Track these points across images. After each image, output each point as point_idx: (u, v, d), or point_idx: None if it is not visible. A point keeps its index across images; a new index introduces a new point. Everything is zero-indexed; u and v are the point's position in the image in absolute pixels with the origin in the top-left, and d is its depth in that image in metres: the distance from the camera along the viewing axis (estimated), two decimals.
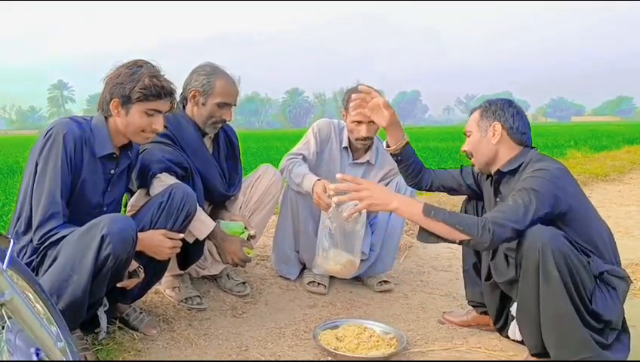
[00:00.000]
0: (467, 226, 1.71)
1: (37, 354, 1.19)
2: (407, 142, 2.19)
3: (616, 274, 1.79)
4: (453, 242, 1.77)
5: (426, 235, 1.80)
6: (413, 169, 2.23)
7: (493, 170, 2.02)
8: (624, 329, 1.83)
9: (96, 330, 1.94)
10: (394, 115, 2.14)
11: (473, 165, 2.09)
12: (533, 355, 1.89)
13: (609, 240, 1.88)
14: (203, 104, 2.29)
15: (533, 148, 2.00)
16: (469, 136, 2.04)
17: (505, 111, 1.97)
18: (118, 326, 2.08)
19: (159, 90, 1.85)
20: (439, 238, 1.78)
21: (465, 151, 2.05)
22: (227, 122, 2.37)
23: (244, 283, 2.64)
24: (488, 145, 1.97)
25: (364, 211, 2.35)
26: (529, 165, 1.88)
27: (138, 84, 1.81)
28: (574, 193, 1.83)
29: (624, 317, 1.83)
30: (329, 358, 2.03)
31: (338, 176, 1.90)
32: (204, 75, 2.28)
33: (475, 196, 2.22)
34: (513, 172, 1.93)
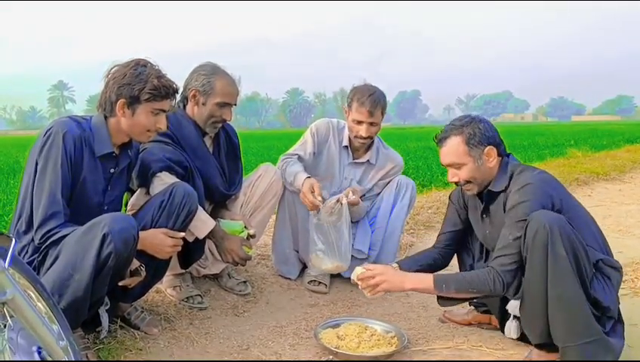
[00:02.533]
0: (478, 286, 1.83)
1: (39, 353, 1.19)
2: (398, 266, 2.13)
3: (610, 264, 1.82)
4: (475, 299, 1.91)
5: (445, 300, 1.96)
6: (429, 267, 2.16)
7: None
8: (619, 320, 1.84)
9: (97, 329, 1.94)
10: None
11: (467, 190, 2.05)
12: (536, 346, 1.88)
13: (600, 236, 1.91)
14: (203, 104, 2.29)
15: (507, 154, 2.01)
16: (458, 168, 1.97)
17: (487, 130, 1.94)
18: (120, 325, 2.08)
19: (167, 90, 1.87)
20: (458, 300, 1.93)
21: (458, 181, 2.00)
22: (227, 122, 2.37)
23: (245, 282, 2.64)
24: (485, 169, 1.96)
25: (344, 203, 2.45)
26: (512, 180, 1.91)
27: (147, 84, 1.82)
28: (559, 195, 1.85)
29: (619, 309, 1.84)
30: (330, 357, 2.03)
31: (353, 278, 2.00)
32: (205, 75, 2.28)
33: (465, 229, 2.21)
34: (504, 190, 1.95)
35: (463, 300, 1.93)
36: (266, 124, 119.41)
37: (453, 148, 1.95)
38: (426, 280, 1.88)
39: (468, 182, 1.99)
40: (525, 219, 1.78)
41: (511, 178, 1.92)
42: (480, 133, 1.92)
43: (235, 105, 2.35)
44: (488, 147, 1.93)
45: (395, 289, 1.94)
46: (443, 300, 1.97)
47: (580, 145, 12.35)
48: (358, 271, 1.97)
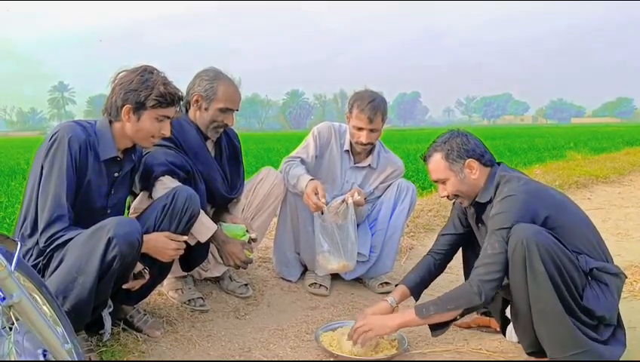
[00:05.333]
0: (455, 302, 1.85)
1: (44, 356, 1.20)
2: (407, 288, 2.17)
3: (606, 271, 1.81)
4: (462, 315, 1.90)
5: (437, 330, 1.95)
6: (430, 278, 2.24)
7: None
8: (620, 325, 1.85)
9: (100, 332, 1.96)
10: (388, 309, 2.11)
11: (460, 203, 2.11)
12: (528, 354, 1.91)
13: (596, 240, 1.90)
14: (206, 109, 2.30)
15: (497, 164, 2.03)
16: (444, 183, 2.02)
17: (465, 144, 1.98)
18: (122, 328, 2.10)
19: (173, 98, 1.90)
20: (447, 324, 1.94)
21: (447, 196, 2.04)
22: (229, 127, 2.39)
23: (246, 284, 2.66)
24: (470, 182, 1.99)
25: (350, 203, 2.49)
26: (497, 191, 1.93)
27: (154, 91, 1.85)
28: (547, 203, 1.86)
29: (619, 314, 1.84)
30: (331, 359, 2.05)
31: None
32: (207, 80, 2.30)
33: (468, 233, 2.22)
34: (489, 201, 1.97)
35: (451, 321, 1.94)
36: (265, 125, 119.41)
37: (435, 165, 2.02)
38: (409, 312, 1.92)
39: (456, 195, 2.04)
40: (502, 228, 1.80)
41: (497, 188, 1.94)
42: (458, 147, 1.98)
43: (238, 110, 2.36)
44: (468, 160, 1.97)
45: (387, 330, 1.98)
46: (434, 330, 1.96)
47: (579, 147, 12.38)
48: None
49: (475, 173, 1.98)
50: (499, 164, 2.04)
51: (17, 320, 1.17)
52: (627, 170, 7.99)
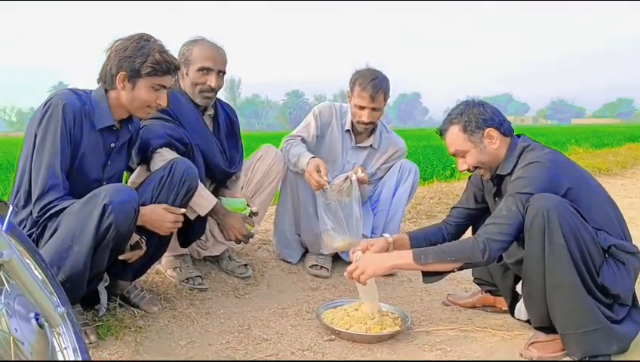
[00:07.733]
0: (457, 254, 1.79)
1: (36, 319, 1.16)
2: (409, 237, 2.14)
3: (625, 249, 1.76)
4: (461, 269, 1.84)
5: (429, 277, 1.91)
6: (436, 239, 2.15)
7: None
8: (635, 306, 1.81)
9: (96, 307, 1.91)
10: (384, 247, 2.08)
11: (481, 175, 2.03)
12: (537, 329, 1.86)
13: (617, 218, 1.85)
14: (187, 74, 2.27)
15: (518, 136, 1.97)
16: (463, 156, 1.95)
17: (483, 114, 1.92)
18: (119, 304, 2.04)
19: (169, 66, 1.84)
20: (442, 274, 1.88)
21: (468, 168, 1.98)
22: (214, 89, 2.29)
23: (245, 265, 2.61)
24: (490, 152, 1.93)
25: (354, 180, 2.43)
26: (520, 158, 1.87)
27: (149, 58, 1.79)
28: (571, 176, 1.81)
29: (635, 295, 1.80)
30: (332, 336, 2.00)
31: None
32: (185, 46, 2.29)
33: (481, 210, 2.17)
34: (510, 172, 1.91)
35: (446, 273, 1.89)
36: (266, 126, 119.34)
37: (453, 138, 1.95)
38: (406, 254, 1.85)
39: (477, 167, 1.97)
40: (522, 193, 1.74)
41: (519, 157, 1.88)
42: (475, 117, 1.91)
43: (222, 72, 2.30)
44: (487, 129, 1.91)
45: (381, 270, 1.90)
46: (427, 276, 1.92)
47: (581, 143, 12.32)
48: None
49: (495, 142, 1.91)
50: (518, 136, 1.98)
51: (8, 282, 1.12)
52: (630, 163, 7.94)
